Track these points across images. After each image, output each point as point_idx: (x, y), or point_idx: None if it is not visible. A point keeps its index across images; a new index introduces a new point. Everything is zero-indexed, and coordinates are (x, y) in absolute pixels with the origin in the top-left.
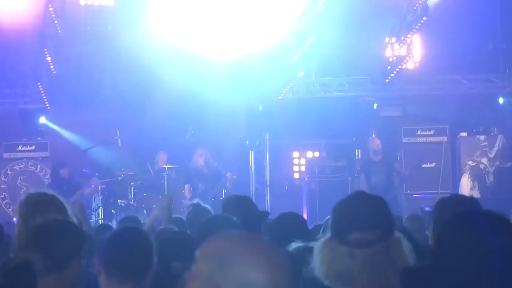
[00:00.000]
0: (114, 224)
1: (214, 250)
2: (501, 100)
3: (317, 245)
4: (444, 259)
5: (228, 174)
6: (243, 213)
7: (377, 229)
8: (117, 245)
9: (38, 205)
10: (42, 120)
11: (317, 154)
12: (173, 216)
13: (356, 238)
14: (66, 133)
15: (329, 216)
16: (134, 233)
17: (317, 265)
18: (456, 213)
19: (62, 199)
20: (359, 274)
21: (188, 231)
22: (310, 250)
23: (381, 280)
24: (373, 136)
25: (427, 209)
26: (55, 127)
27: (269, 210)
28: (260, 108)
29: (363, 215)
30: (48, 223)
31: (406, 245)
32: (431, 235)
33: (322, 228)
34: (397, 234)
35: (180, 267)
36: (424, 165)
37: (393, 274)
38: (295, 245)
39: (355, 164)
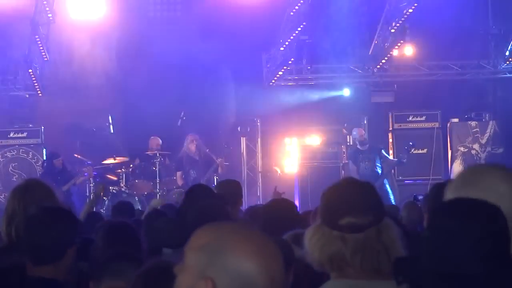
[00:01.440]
0: (105, 211)
1: (204, 242)
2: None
3: (308, 231)
4: (435, 245)
5: (219, 160)
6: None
7: (369, 213)
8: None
9: (25, 192)
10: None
11: (308, 140)
12: (165, 203)
13: (348, 222)
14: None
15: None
16: (126, 228)
17: (309, 250)
18: (447, 199)
19: (51, 185)
20: (351, 258)
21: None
22: (302, 236)
23: (373, 264)
24: (365, 122)
25: (420, 197)
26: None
27: (260, 197)
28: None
29: (355, 200)
30: (41, 212)
31: (396, 230)
32: (426, 221)
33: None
34: (387, 219)
35: (171, 253)
36: (415, 151)
37: (385, 258)
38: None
39: (346, 150)
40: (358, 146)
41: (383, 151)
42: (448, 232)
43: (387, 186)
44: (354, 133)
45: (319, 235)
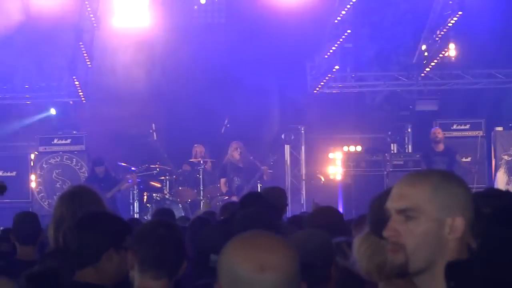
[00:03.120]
0: (149, 218)
1: None
2: None
3: (356, 240)
4: (488, 253)
5: (264, 168)
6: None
7: None
8: (151, 240)
9: (73, 199)
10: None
11: (352, 148)
12: (208, 210)
13: None
14: None
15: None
16: (166, 227)
17: (357, 259)
18: (501, 207)
19: (98, 192)
20: None
21: None
22: (349, 244)
23: None
24: (409, 130)
25: None
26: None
27: (304, 204)
28: None
29: None
30: (81, 216)
31: None
32: None
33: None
34: None
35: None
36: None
37: None
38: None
39: (390, 159)
40: (433, 147)
41: (457, 156)
42: (501, 239)
43: None
44: (431, 132)
45: (367, 244)
